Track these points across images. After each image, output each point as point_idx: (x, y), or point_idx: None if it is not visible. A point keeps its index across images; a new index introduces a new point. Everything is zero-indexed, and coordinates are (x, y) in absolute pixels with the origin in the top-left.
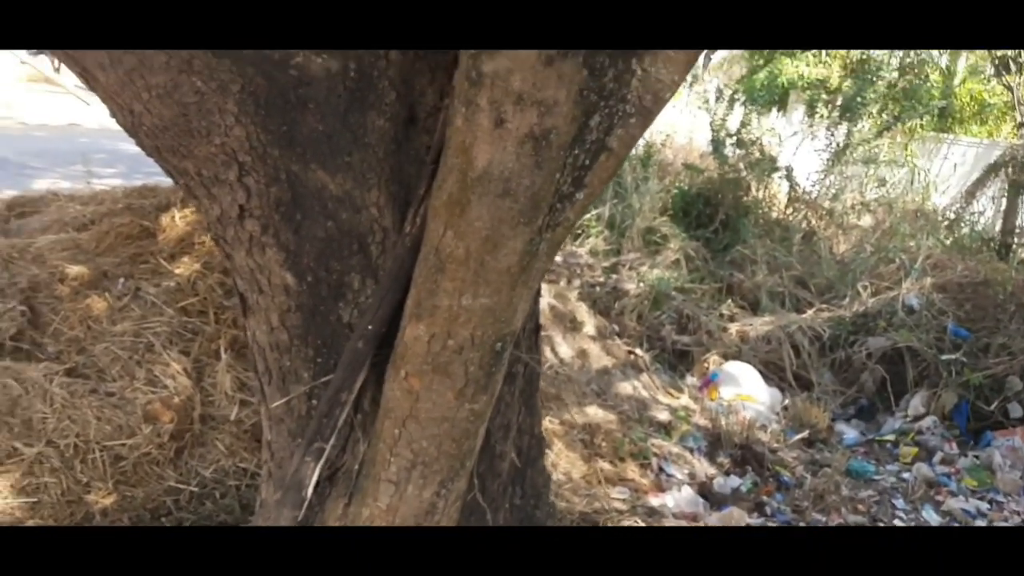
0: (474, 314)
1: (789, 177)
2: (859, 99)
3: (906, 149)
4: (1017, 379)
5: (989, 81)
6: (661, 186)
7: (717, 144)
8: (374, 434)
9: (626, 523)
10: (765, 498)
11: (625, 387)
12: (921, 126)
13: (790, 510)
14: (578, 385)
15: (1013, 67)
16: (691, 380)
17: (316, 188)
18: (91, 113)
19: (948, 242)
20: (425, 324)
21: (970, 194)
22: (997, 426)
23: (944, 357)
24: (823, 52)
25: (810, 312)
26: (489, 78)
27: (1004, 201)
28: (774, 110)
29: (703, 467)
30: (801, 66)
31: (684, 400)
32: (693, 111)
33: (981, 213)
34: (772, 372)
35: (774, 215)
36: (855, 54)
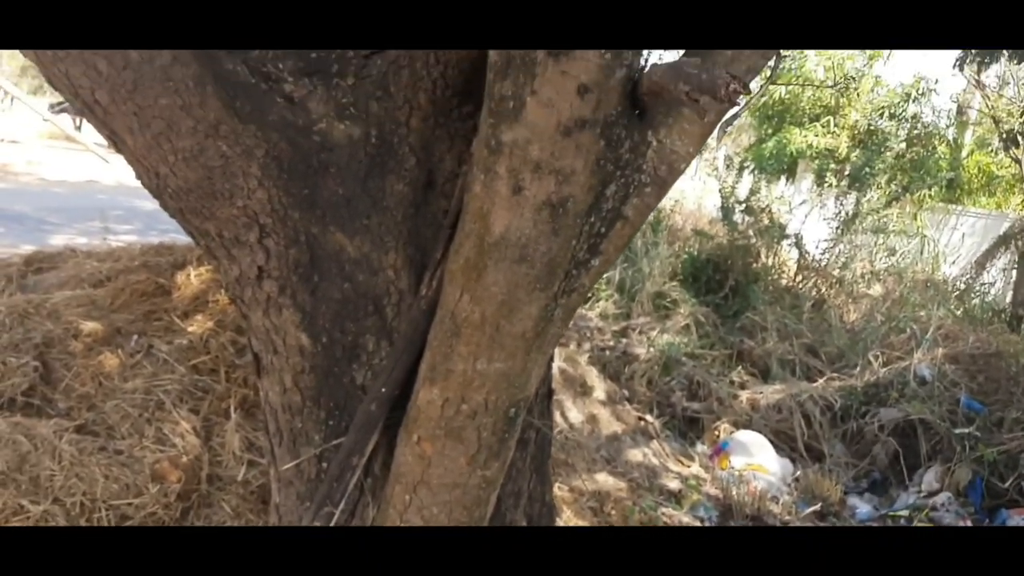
0: (488, 379)
1: (799, 245)
2: (867, 169)
3: (915, 219)
4: None
5: (997, 154)
6: (671, 251)
7: (727, 211)
8: (384, 499)
9: None
10: None
11: (635, 454)
12: (930, 196)
13: None
14: (588, 451)
15: (1021, 141)
16: (702, 448)
17: (334, 250)
18: (109, 170)
19: (959, 313)
20: (439, 388)
21: (980, 265)
22: (1012, 504)
23: (958, 431)
24: (831, 123)
25: (821, 381)
26: (508, 146)
27: (1014, 273)
28: (783, 178)
29: None
30: (809, 136)
31: (695, 468)
32: (702, 178)
33: (992, 284)
34: (783, 441)
35: (784, 282)
36: (863, 125)
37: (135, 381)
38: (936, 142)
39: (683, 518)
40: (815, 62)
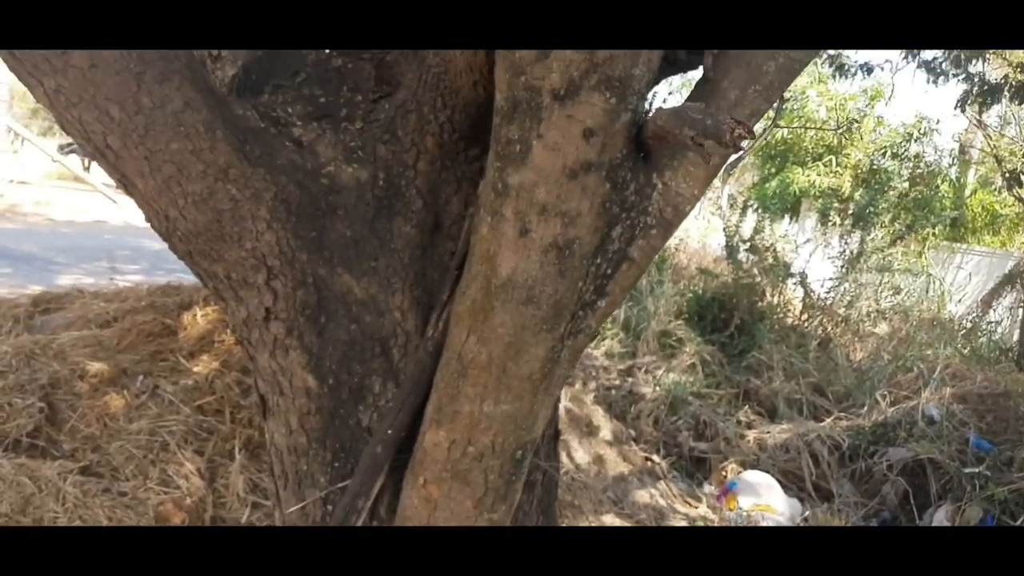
0: (495, 421)
1: (803, 283)
2: (871, 208)
3: (920, 257)
4: None
5: (1000, 192)
6: (676, 290)
7: (731, 249)
8: None
9: None
10: None
11: (642, 495)
12: (934, 235)
13: None
14: (594, 492)
15: None
16: (709, 488)
17: (341, 292)
18: (117, 210)
19: (966, 352)
20: (445, 430)
21: (986, 304)
22: None
23: (967, 470)
24: (834, 162)
25: (828, 420)
26: (515, 189)
27: (1021, 311)
28: (786, 217)
29: None
30: (812, 175)
31: (702, 509)
32: (706, 216)
33: (998, 323)
34: (791, 482)
35: (789, 321)
36: (866, 164)
37: (140, 422)
38: (939, 181)
39: None
40: (817, 102)
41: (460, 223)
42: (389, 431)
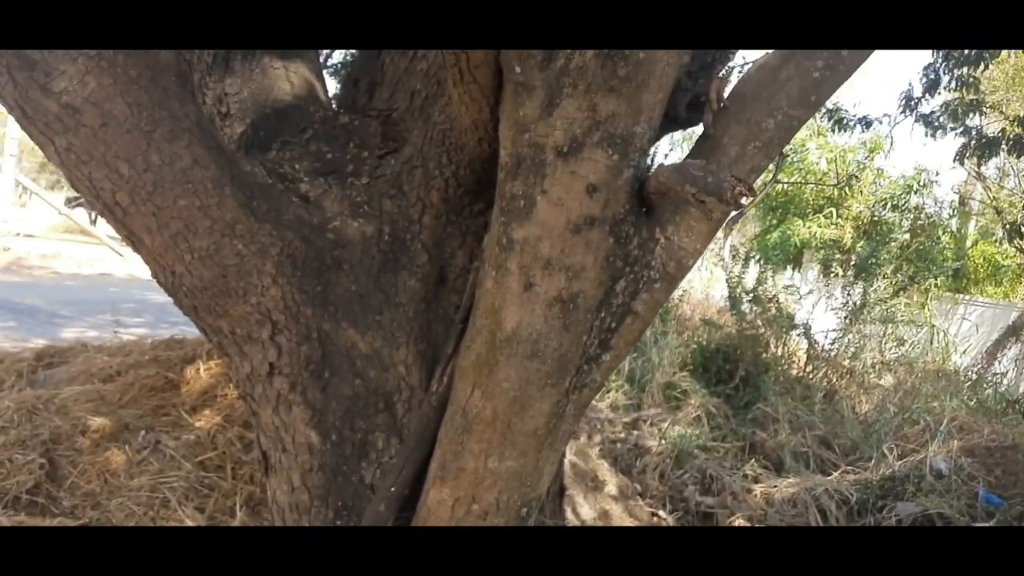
0: (500, 477)
1: (807, 335)
2: (873, 259)
3: (923, 309)
4: None
5: (1001, 244)
6: (680, 341)
7: (734, 300)
8: None
9: None
10: None
11: None
12: (936, 286)
13: None
14: None
15: None
16: None
17: (346, 346)
18: (122, 263)
19: (972, 404)
20: (449, 487)
21: (991, 355)
22: None
23: (978, 526)
24: (835, 214)
25: (836, 474)
26: (519, 244)
27: None
28: (789, 268)
29: None
30: (813, 226)
31: None
32: (709, 267)
33: (1003, 374)
34: None
35: (794, 372)
36: (866, 216)
37: (141, 478)
38: (940, 232)
39: None
40: (817, 155)
41: (465, 277)
42: (392, 488)
